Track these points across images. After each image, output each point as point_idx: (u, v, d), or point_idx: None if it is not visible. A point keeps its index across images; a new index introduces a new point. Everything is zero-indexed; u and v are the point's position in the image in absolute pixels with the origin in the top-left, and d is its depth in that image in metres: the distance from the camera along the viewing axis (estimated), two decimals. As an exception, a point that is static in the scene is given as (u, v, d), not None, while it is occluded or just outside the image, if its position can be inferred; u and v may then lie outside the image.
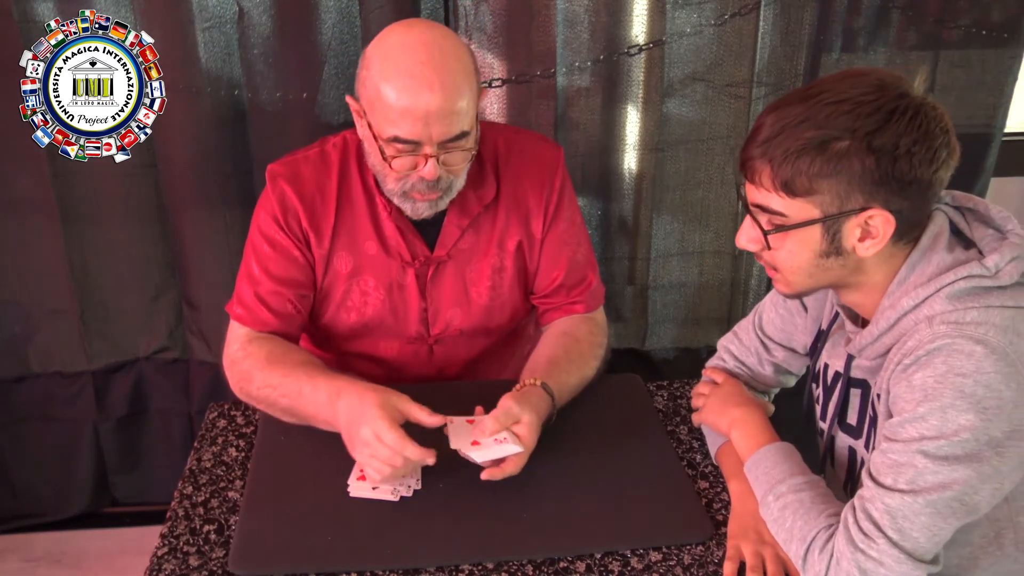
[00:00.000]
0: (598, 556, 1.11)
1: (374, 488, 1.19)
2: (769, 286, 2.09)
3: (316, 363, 1.34)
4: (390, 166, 1.26)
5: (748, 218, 1.06)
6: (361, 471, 1.20)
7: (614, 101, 1.90)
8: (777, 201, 1.00)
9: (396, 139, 1.23)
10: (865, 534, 0.96)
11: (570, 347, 1.42)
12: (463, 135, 1.25)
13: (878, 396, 1.05)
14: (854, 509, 0.99)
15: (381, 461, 1.15)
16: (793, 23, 1.85)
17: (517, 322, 1.54)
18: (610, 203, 2.01)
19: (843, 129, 0.95)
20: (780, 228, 1.02)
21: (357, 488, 1.19)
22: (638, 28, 1.84)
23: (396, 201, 1.34)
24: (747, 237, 1.07)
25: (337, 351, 1.51)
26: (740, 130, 1.94)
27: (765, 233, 1.03)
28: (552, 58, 1.83)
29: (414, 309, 1.44)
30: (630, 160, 1.97)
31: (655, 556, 1.11)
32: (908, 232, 1.02)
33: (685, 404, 1.43)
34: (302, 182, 1.37)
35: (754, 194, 1.03)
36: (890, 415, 1.01)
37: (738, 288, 2.13)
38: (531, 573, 1.08)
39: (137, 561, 1.15)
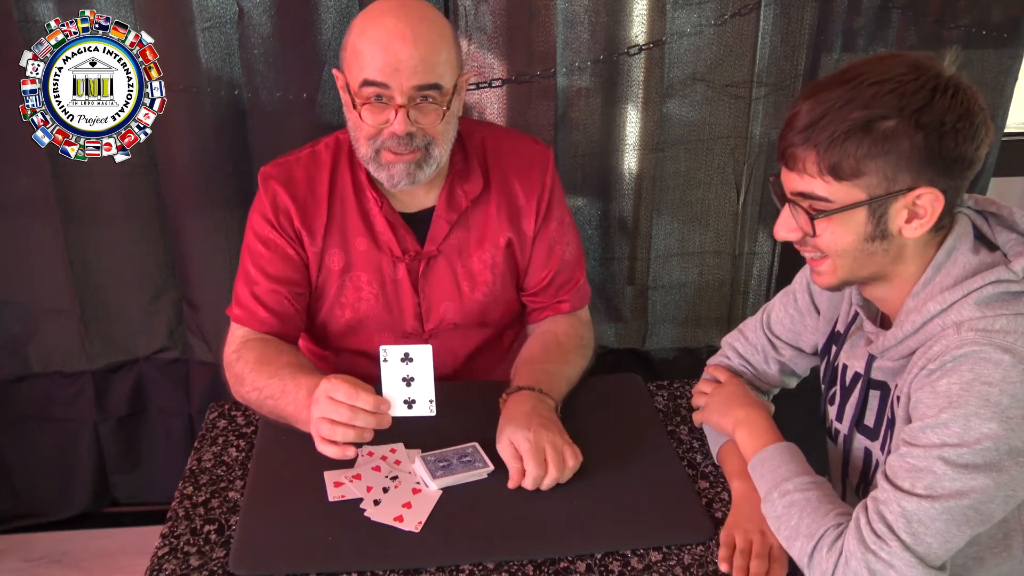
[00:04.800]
0: (598, 556, 1.11)
1: (351, 481, 1.19)
2: (771, 287, 2.10)
3: (306, 365, 1.33)
4: (360, 116, 1.27)
5: (787, 208, 1.04)
6: (335, 481, 1.19)
7: (614, 101, 1.90)
8: (821, 186, 0.98)
9: (366, 82, 1.24)
10: (877, 535, 0.95)
11: (553, 344, 1.44)
12: (435, 87, 1.26)
13: (897, 399, 1.04)
14: (867, 510, 0.98)
15: (330, 422, 1.12)
16: (793, 23, 1.85)
17: (512, 316, 1.55)
18: (610, 203, 2.00)
19: (890, 108, 0.94)
20: (825, 212, 1.00)
21: (334, 493, 1.18)
22: (638, 28, 1.84)
23: (371, 170, 1.33)
24: (787, 228, 1.05)
25: (334, 348, 1.52)
26: (740, 130, 1.94)
27: (812, 218, 1.01)
28: (552, 58, 1.83)
29: (408, 304, 1.45)
30: (630, 160, 1.97)
31: (655, 556, 1.11)
32: (947, 216, 1.00)
33: (685, 404, 1.43)
34: (294, 183, 1.38)
35: (795, 182, 1.01)
36: (909, 419, 1.00)
37: (738, 288, 2.12)
38: (531, 573, 1.08)
39: (137, 561, 1.15)
